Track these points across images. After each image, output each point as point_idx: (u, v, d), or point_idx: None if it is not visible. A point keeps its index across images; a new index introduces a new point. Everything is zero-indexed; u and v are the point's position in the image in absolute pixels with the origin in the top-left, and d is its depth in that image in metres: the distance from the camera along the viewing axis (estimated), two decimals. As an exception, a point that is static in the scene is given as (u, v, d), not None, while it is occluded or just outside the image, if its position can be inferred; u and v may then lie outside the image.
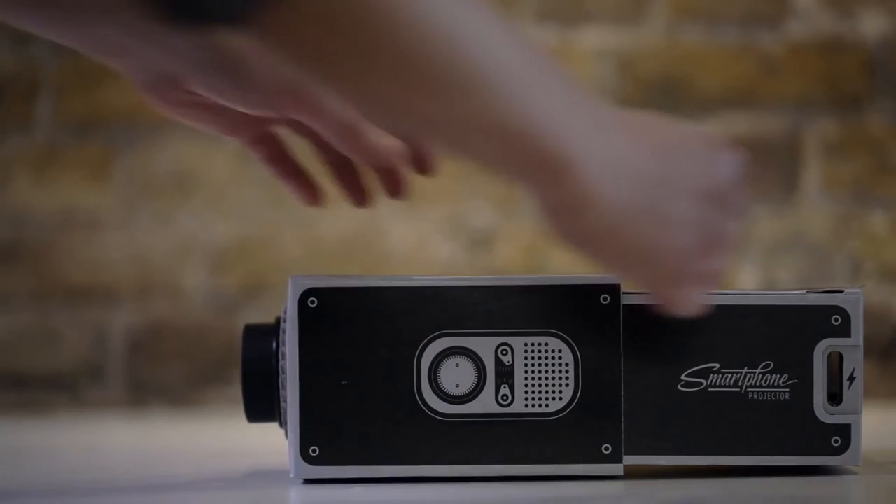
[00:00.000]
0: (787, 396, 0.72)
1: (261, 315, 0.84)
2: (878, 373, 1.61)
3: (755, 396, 0.72)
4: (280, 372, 0.73)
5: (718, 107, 1.62)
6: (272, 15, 0.52)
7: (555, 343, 0.71)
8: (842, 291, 0.72)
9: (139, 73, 0.74)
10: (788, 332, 0.72)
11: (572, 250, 0.64)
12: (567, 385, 0.71)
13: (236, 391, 0.76)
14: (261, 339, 0.74)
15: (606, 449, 0.71)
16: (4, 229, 1.64)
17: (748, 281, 1.61)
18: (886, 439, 0.88)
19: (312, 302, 0.71)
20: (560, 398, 0.71)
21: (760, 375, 0.72)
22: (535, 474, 0.71)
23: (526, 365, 0.71)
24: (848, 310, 0.72)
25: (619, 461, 0.71)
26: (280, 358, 0.73)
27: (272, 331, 0.74)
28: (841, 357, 0.72)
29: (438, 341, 0.71)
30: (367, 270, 1.59)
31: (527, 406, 0.71)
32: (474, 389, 0.71)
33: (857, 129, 1.62)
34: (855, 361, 0.72)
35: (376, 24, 0.54)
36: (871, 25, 1.61)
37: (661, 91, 1.62)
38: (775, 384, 0.72)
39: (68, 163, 1.64)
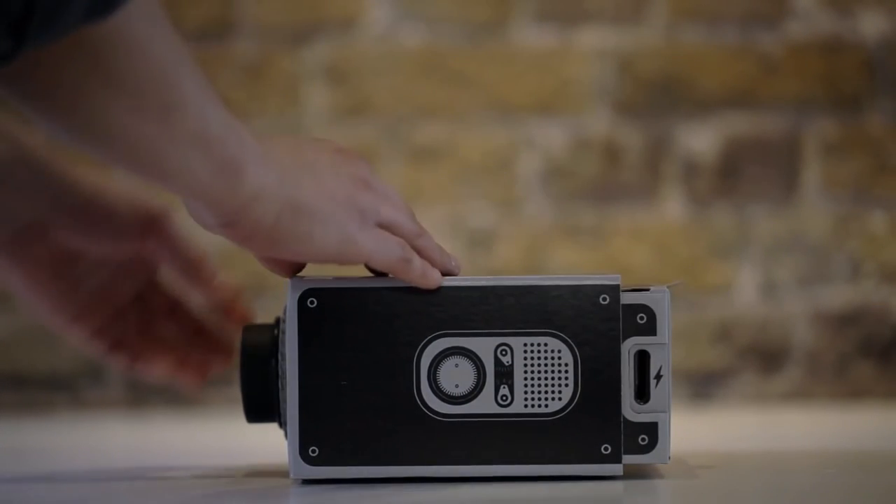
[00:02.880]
0: None
1: (261, 315, 0.84)
2: (878, 373, 1.61)
3: None
4: (280, 372, 0.73)
5: (718, 107, 1.62)
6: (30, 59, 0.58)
7: (554, 343, 0.71)
8: (648, 290, 0.72)
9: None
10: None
11: (248, 244, 0.71)
12: (566, 385, 0.71)
13: (236, 391, 0.76)
14: (260, 339, 0.75)
15: (606, 449, 0.71)
16: (4, 229, 1.64)
17: (748, 281, 1.61)
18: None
19: (312, 302, 0.71)
20: (559, 398, 0.71)
21: None
22: (534, 474, 0.71)
23: (525, 365, 0.71)
24: (653, 308, 0.71)
25: (619, 461, 0.71)
26: (280, 358, 0.73)
27: (272, 331, 0.74)
28: (648, 355, 0.72)
29: (438, 341, 0.71)
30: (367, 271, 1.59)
31: (526, 406, 0.71)
32: (474, 390, 0.71)
33: (856, 129, 1.62)
34: (662, 359, 0.71)
35: (117, 57, 0.59)
36: (870, 25, 1.61)
37: (660, 91, 1.62)
38: None
39: (68, 162, 1.64)
